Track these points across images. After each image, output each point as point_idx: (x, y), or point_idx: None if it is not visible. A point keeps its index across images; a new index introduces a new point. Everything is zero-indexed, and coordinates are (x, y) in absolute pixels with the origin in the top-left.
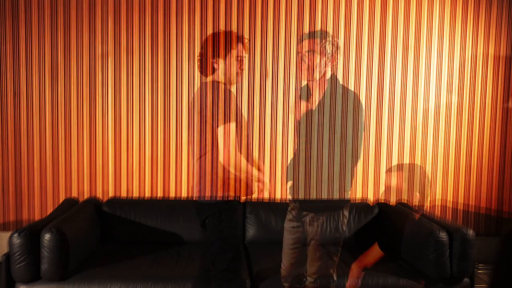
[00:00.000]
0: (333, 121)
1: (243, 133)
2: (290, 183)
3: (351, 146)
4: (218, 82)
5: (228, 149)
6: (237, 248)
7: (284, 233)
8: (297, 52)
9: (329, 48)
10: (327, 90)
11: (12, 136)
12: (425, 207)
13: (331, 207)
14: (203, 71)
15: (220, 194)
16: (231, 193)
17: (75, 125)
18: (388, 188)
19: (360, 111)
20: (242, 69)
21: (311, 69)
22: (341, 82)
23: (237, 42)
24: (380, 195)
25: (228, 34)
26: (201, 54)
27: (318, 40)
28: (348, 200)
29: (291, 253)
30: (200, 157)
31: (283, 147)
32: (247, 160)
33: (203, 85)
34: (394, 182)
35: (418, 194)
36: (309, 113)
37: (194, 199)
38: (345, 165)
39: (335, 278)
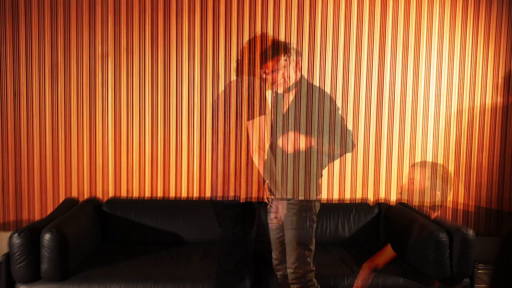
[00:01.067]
0: (308, 121)
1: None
2: (266, 182)
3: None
4: (250, 78)
5: (258, 142)
6: (247, 251)
7: (269, 226)
8: (265, 73)
9: (291, 58)
10: (297, 93)
11: (12, 136)
12: (443, 206)
13: (305, 201)
14: (247, 71)
15: (243, 195)
16: (255, 195)
17: (75, 125)
18: (409, 186)
19: (327, 104)
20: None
21: (280, 83)
22: (308, 81)
23: (286, 48)
24: (398, 194)
25: (275, 40)
26: (248, 55)
27: (279, 57)
28: (319, 199)
29: (278, 243)
30: (224, 157)
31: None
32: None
33: (231, 84)
34: (416, 180)
35: (439, 192)
36: (285, 116)
37: (217, 198)
38: (320, 163)
39: (312, 267)
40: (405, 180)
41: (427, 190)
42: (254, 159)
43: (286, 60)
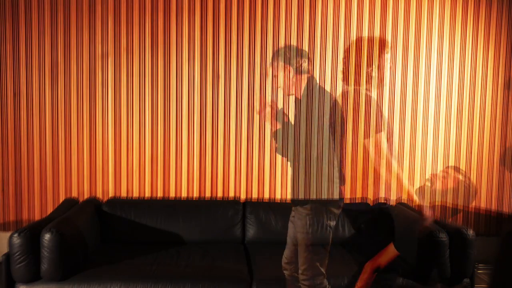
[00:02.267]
0: (320, 125)
1: (390, 140)
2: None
3: (331, 146)
4: (365, 91)
5: (380, 158)
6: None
7: (289, 225)
8: (272, 76)
9: (293, 63)
10: (303, 96)
11: (12, 136)
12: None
13: (321, 204)
14: (352, 80)
15: (371, 197)
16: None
17: (75, 125)
18: (434, 184)
19: (337, 110)
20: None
21: (286, 87)
22: (318, 83)
23: (385, 45)
24: (414, 193)
25: (372, 39)
26: (347, 63)
27: (280, 63)
28: (338, 200)
29: (292, 243)
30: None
31: (283, 147)
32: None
33: (346, 94)
34: (448, 180)
35: (459, 199)
36: (290, 121)
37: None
38: (333, 166)
39: (322, 270)
40: (428, 178)
41: (450, 192)
42: (381, 172)
43: (282, 65)
